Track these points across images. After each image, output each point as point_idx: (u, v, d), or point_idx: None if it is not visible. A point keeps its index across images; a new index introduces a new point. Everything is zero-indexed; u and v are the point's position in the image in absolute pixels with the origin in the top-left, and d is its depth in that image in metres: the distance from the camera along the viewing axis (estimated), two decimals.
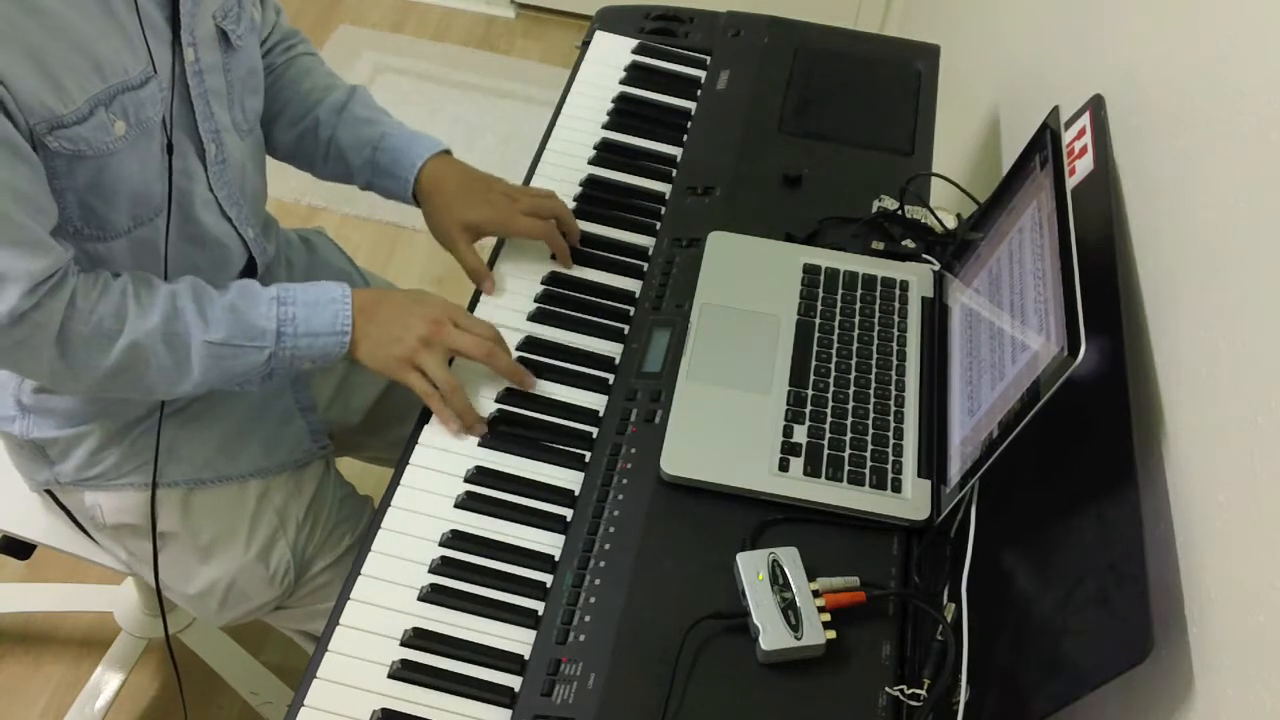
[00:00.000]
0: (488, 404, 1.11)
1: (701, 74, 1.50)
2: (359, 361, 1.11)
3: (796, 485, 1.04)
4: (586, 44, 1.53)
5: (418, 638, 0.95)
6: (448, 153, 1.27)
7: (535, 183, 1.34)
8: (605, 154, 1.39)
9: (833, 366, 1.14)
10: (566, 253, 1.24)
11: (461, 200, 1.23)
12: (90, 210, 1.03)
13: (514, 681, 0.93)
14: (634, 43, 1.53)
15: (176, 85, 1.06)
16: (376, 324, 1.10)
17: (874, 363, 1.14)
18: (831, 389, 1.12)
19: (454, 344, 1.10)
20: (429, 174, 1.24)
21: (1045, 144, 1.04)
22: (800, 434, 1.07)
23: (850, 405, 1.10)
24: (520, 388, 1.12)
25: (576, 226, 1.26)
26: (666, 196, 1.34)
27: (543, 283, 1.23)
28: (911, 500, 1.04)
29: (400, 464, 1.07)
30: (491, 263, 1.24)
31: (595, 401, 1.12)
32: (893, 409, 1.10)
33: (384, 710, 0.91)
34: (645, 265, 1.26)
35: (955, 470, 1.02)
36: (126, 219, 1.05)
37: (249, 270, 1.25)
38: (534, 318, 1.20)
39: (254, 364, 1.07)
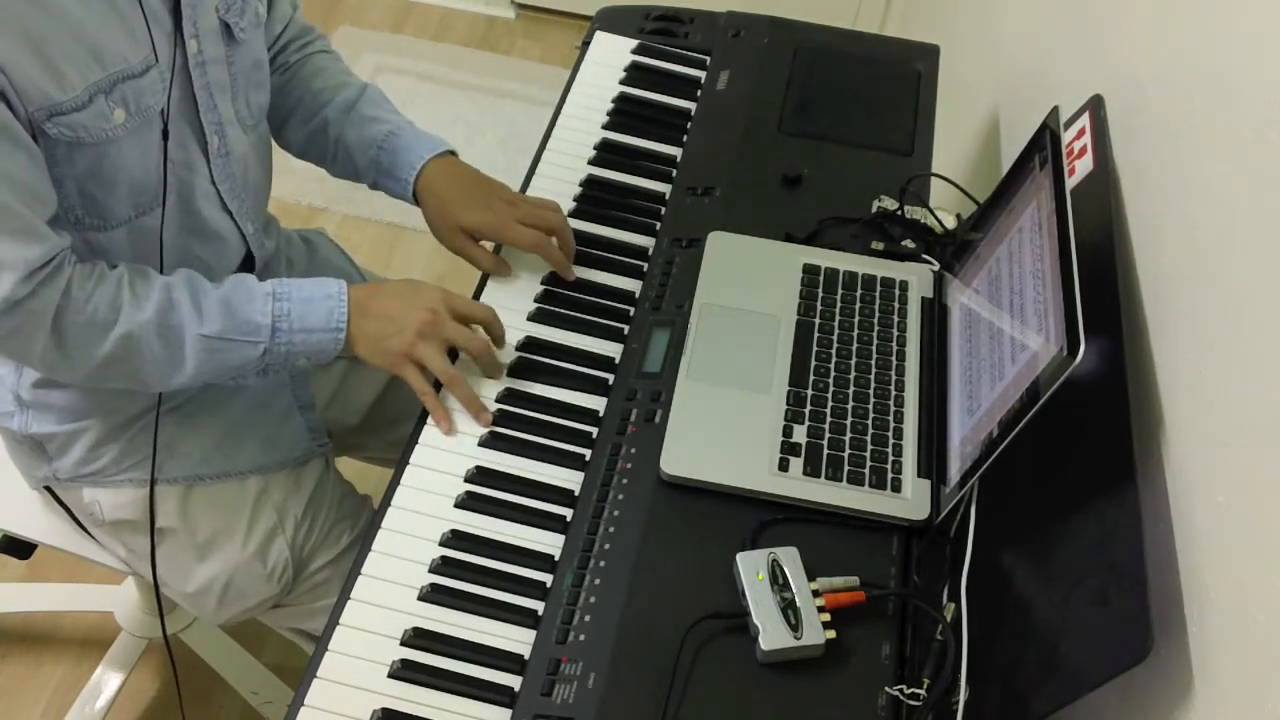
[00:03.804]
0: (488, 403, 1.11)
1: (701, 74, 1.50)
2: (359, 358, 1.11)
3: (796, 485, 1.04)
4: (586, 44, 1.53)
5: (418, 637, 0.95)
6: (452, 153, 1.27)
7: (535, 183, 1.34)
8: (605, 154, 1.39)
9: (832, 366, 1.14)
10: (564, 265, 1.21)
11: (460, 203, 1.22)
12: (91, 198, 1.03)
13: (514, 681, 0.93)
14: (634, 43, 1.53)
15: (178, 76, 1.06)
16: (372, 319, 1.10)
17: (874, 363, 1.14)
18: (831, 389, 1.12)
19: (450, 336, 1.10)
20: (429, 175, 1.24)
21: (1045, 144, 1.04)
22: (800, 434, 1.07)
23: (850, 405, 1.10)
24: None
25: (573, 243, 1.23)
26: (666, 196, 1.34)
27: (543, 283, 1.23)
28: (911, 500, 1.04)
29: (400, 464, 1.07)
30: None
31: (595, 401, 1.12)
32: (892, 409, 1.11)
33: (384, 710, 0.91)
34: (645, 265, 1.26)
35: (955, 470, 1.02)
36: (127, 208, 1.06)
37: (246, 265, 1.25)
38: (534, 318, 1.20)
39: (248, 358, 1.08)
